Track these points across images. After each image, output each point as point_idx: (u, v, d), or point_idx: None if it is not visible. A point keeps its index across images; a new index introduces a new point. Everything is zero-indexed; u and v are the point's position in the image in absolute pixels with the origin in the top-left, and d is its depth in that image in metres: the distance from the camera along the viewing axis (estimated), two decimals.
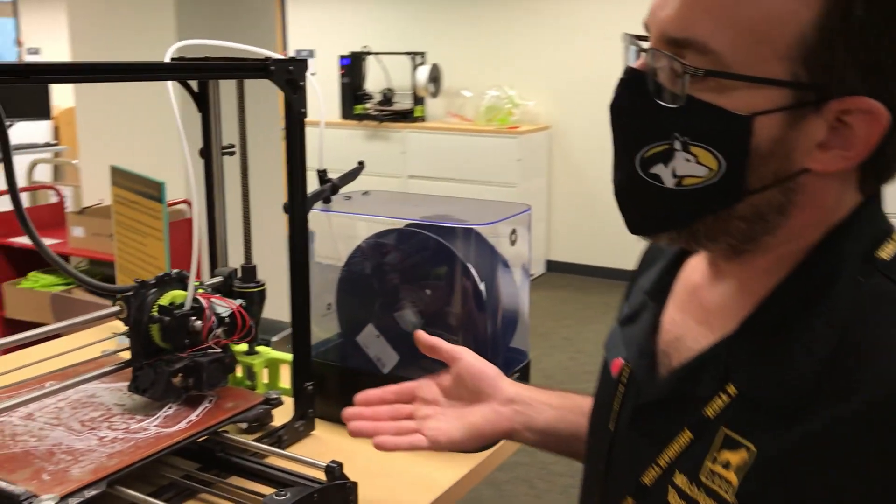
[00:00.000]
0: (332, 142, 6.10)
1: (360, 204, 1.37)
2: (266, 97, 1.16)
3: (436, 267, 1.28)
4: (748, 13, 0.60)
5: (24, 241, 3.64)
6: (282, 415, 1.27)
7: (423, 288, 1.30)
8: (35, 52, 8.15)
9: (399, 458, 1.24)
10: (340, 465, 1.04)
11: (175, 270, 1.11)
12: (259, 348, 1.32)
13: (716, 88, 0.62)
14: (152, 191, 1.57)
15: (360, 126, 6.06)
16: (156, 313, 1.06)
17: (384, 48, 6.15)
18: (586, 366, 4.14)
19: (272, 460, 1.12)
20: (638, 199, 0.69)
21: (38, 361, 1.26)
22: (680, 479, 0.68)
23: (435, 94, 6.03)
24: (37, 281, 3.62)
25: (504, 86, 5.84)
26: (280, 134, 3.36)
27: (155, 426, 1.05)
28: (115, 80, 1.14)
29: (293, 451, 1.24)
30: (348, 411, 0.95)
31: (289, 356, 1.28)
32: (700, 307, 0.74)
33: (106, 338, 1.23)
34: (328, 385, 1.35)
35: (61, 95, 5.88)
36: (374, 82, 6.21)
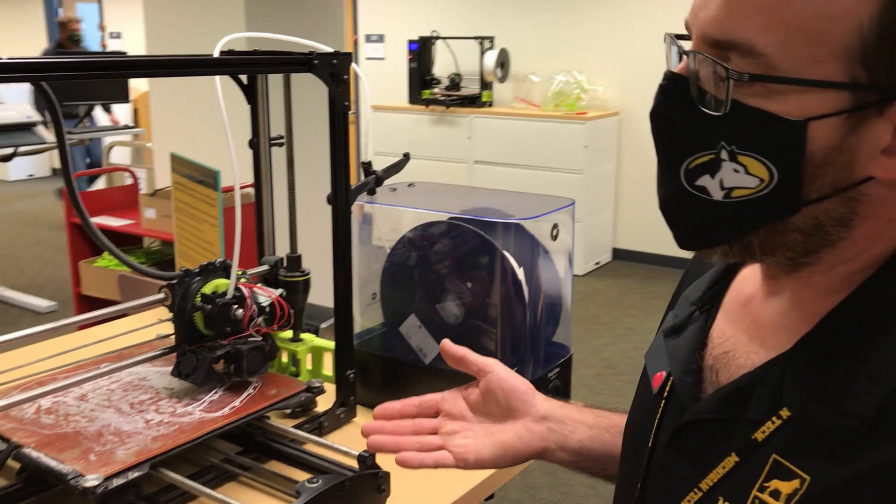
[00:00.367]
0: (398, 127, 6.19)
1: (404, 196, 1.39)
2: (320, 87, 1.18)
3: (476, 260, 1.29)
4: (799, 11, 0.55)
5: (100, 220, 3.79)
6: (326, 401, 1.31)
7: (464, 280, 1.31)
8: (117, 36, 8.42)
9: None
10: (373, 454, 1.06)
11: (219, 259, 1.15)
12: (303, 335, 1.35)
13: (765, 93, 0.58)
14: (208, 178, 1.61)
15: (427, 111, 6.08)
16: (199, 301, 1.10)
17: (453, 33, 6.15)
18: None
19: (310, 446, 1.15)
20: (686, 212, 0.65)
21: (97, 342, 1.32)
22: None
23: (502, 79, 6.00)
24: (110, 260, 3.76)
25: (573, 70, 5.77)
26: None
27: (199, 411, 1.09)
28: (161, 75, 1.18)
29: (334, 437, 1.28)
30: (367, 426, 0.88)
31: (332, 344, 1.30)
32: (753, 322, 0.70)
33: (155, 322, 1.28)
34: (371, 373, 1.38)
35: (139, 79, 6.07)
36: (442, 67, 6.22)
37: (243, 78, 1.29)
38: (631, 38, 5.56)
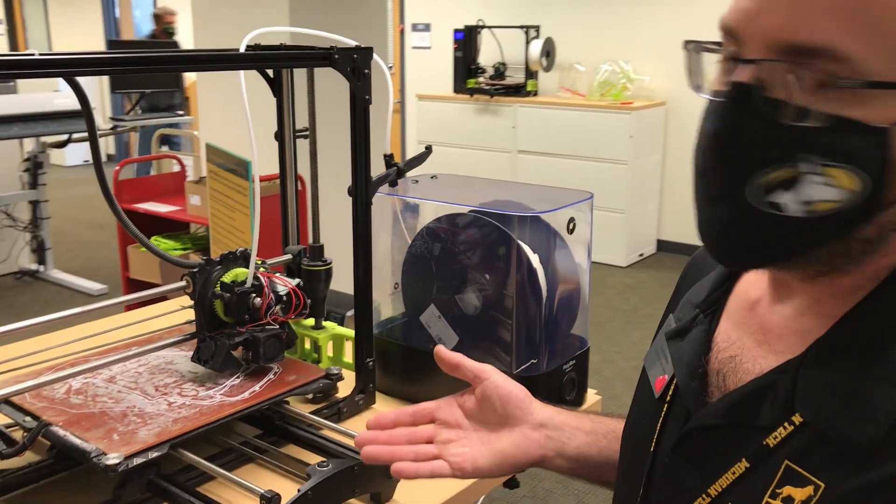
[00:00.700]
0: (442, 116, 6.21)
1: (425, 188, 1.41)
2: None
3: (494, 252, 1.31)
4: (881, 12, 0.54)
5: (147, 206, 3.90)
6: (346, 387, 1.34)
7: (482, 272, 1.33)
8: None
9: None
10: None
11: (240, 248, 1.19)
12: (325, 323, 1.38)
13: (848, 99, 0.55)
14: (240, 168, 1.66)
15: (472, 101, 6.09)
16: (218, 290, 1.14)
17: (498, 22, 6.14)
18: None
19: (326, 431, 1.19)
20: (746, 232, 0.61)
21: (127, 325, 1.38)
22: None
23: (548, 69, 5.98)
24: (158, 244, 3.86)
25: (619, 60, 5.72)
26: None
27: (220, 395, 1.13)
28: (186, 70, 1.21)
29: (352, 423, 1.31)
30: (361, 436, 0.86)
31: (352, 332, 1.34)
32: (760, 326, 0.68)
33: (178, 309, 1.33)
34: (391, 362, 1.41)
35: None
36: (487, 56, 6.22)
37: (270, 72, 1.33)
38: (679, 26, 5.49)
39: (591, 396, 1.45)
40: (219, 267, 1.16)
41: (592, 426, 0.91)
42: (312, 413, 1.26)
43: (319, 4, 3.59)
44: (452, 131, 6.25)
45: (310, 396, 1.36)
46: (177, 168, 4.29)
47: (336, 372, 1.23)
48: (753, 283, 0.72)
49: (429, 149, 1.40)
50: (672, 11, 5.56)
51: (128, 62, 1.05)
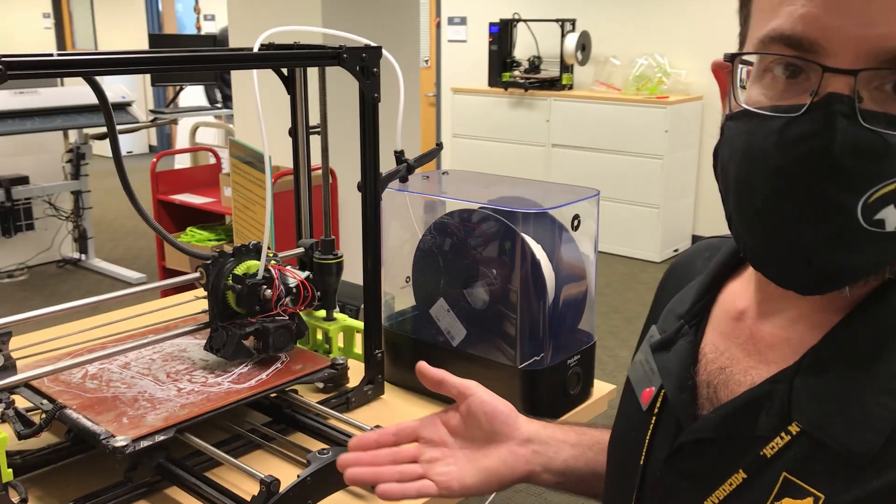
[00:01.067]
0: (477, 110, 6.23)
1: (436, 184, 1.43)
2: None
3: (500, 247, 1.33)
4: None
5: (183, 197, 3.98)
6: (358, 377, 1.38)
7: (489, 267, 1.35)
8: (211, 18, 8.71)
9: None
10: None
11: (252, 242, 1.22)
12: (336, 315, 1.42)
13: None
14: (260, 162, 1.70)
15: (506, 94, 6.09)
16: (230, 281, 1.18)
17: (534, 15, 6.12)
18: None
19: (333, 421, 1.22)
20: (852, 253, 0.57)
21: (145, 313, 1.43)
22: None
23: (583, 62, 5.96)
24: (193, 235, 3.95)
25: (655, 54, 5.68)
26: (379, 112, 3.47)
27: (228, 382, 1.17)
28: (205, 69, 1.25)
29: (361, 412, 1.35)
30: (343, 458, 0.85)
31: (362, 324, 1.37)
32: (749, 336, 0.68)
33: (192, 299, 1.37)
34: (402, 354, 1.44)
35: None
36: (522, 50, 6.21)
37: (284, 71, 1.36)
38: (716, 20, 5.43)
39: (606, 386, 1.47)
40: (231, 259, 1.20)
41: (578, 438, 0.91)
42: (322, 402, 1.30)
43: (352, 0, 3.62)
44: (486, 125, 6.26)
45: (320, 386, 1.40)
46: (212, 160, 4.37)
47: (341, 362, 1.26)
48: (739, 294, 0.72)
49: (439, 145, 1.43)
50: (709, 5, 5.50)
51: (142, 62, 1.10)
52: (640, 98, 5.53)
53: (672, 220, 5.59)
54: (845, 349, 0.60)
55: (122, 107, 4.83)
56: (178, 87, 6.05)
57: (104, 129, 4.99)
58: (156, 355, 1.26)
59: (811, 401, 0.60)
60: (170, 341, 1.29)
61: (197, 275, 1.19)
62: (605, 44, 5.98)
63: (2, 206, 4.92)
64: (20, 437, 1.06)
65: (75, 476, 1.13)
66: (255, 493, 1.00)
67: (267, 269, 1.19)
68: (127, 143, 9.40)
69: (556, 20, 5.98)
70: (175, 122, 5.93)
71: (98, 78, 1.10)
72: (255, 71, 1.21)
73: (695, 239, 5.84)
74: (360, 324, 1.38)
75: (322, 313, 1.41)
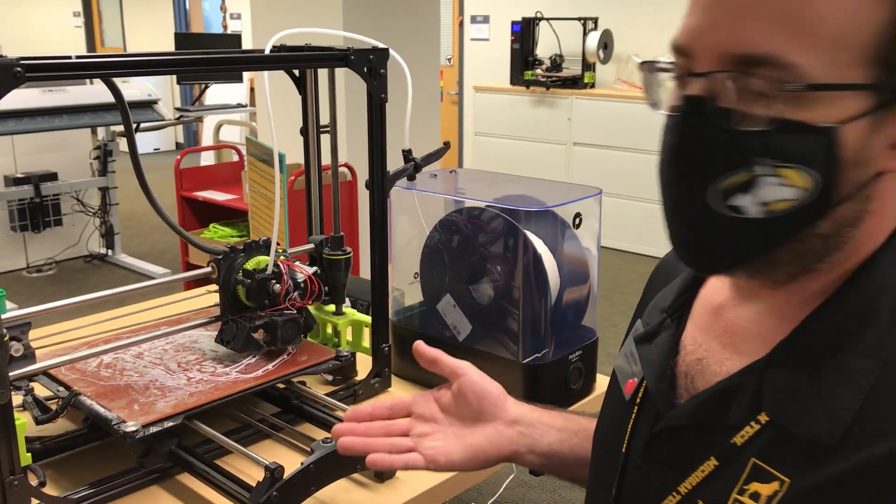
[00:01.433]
0: (498, 108, 6.24)
1: (443, 182, 1.47)
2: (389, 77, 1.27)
3: (503, 245, 1.36)
4: (824, 20, 0.57)
5: (206, 194, 4.05)
6: (366, 370, 1.42)
7: (493, 263, 1.38)
8: (237, 17, 8.81)
9: None
10: None
11: (263, 238, 1.26)
12: (346, 310, 1.46)
13: (796, 103, 0.58)
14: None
15: (528, 92, 6.11)
16: (241, 276, 1.22)
17: (556, 13, 6.13)
18: None
19: (340, 412, 1.26)
20: (712, 237, 0.64)
21: (162, 305, 1.48)
22: None
23: (605, 60, 5.95)
24: (216, 231, 4.01)
25: None
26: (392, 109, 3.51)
27: (236, 372, 1.21)
28: (218, 70, 1.29)
29: (368, 404, 1.38)
30: (338, 427, 0.89)
31: (369, 319, 1.41)
32: (725, 329, 0.71)
33: (203, 293, 1.42)
34: (408, 348, 1.46)
35: None
36: (544, 48, 6.22)
37: (296, 72, 1.40)
38: None
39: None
40: (242, 254, 1.24)
41: (564, 424, 0.94)
42: (330, 394, 1.34)
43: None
44: (508, 123, 6.28)
45: (329, 378, 1.44)
46: (236, 158, 4.43)
47: (346, 354, 1.30)
48: (717, 289, 0.75)
49: (446, 145, 1.46)
50: None
51: (156, 64, 1.14)
52: None
53: None
54: (812, 342, 0.63)
55: (149, 104, 4.90)
56: (203, 85, 6.14)
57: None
58: (168, 346, 1.30)
59: (780, 392, 0.62)
60: (182, 333, 1.33)
61: (208, 269, 1.24)
62: (627, 42, 5.97)
63: (31, 202, 5.03)
64: (38, 422, 1.11)
65: (91, 461, 1.17)
66: (261, 479, 1.04)
67: (276, 265, 1.23)
68: (154, 139, 9.54)
69: (579, 18, 5.99)
70: (200, 119, 6.01)
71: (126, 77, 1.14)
72: (266, 73, 1.25)
73: None
74: (368, 318, 1.42)
75: (332, 308, 1.45)
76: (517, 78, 6.15)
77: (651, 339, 0.78)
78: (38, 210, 5.08)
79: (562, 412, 0.96)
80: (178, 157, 4.08)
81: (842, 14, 0.57)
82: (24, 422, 1.00)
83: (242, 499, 1.03)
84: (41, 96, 4.41)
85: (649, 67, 0.70)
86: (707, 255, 0.66)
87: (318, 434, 1.22)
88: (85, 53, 1.05)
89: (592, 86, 6.00)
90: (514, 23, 6.16)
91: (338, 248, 1.41)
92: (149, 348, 1.29)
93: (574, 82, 5.98)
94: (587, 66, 5.98)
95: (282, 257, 1.26)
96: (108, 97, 4.64)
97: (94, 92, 4.74)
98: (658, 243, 5.48)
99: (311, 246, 1.41)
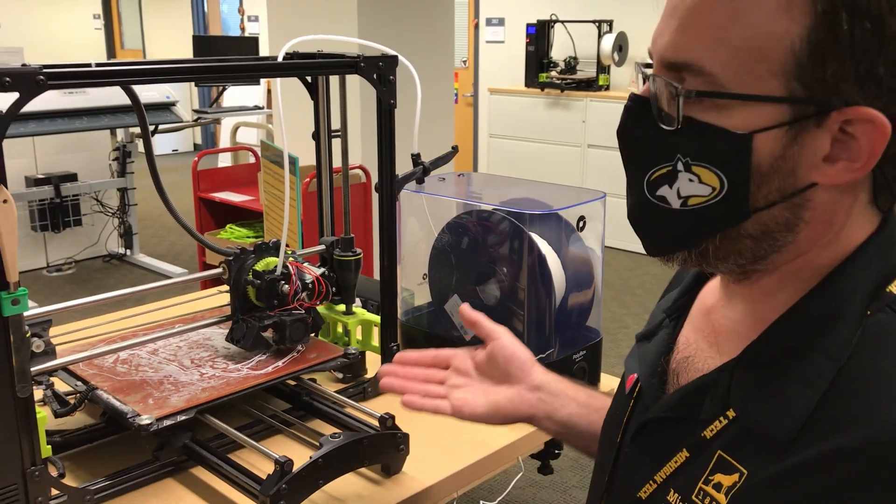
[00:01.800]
0: (513, 110, 6.27)
1: (451, 186, 1.50)
2: (402, 82, 1.31)
3: (509, 247, 1.39)
4: (740, 33, 0.61)
5: (223, 195, 4.10)
6: (375, 369, 1.45)
7: (499, 265, 1.41)
8: (255, 19, 8.89)
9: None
10: (392, 417, 1.19)
11: (273, 240, 1.30)
12: (356, 309, 1.49)
13: (715, 108, 0.63)
14: (291, 164, 1.78)
15: (542, 94, 6.13)
16: (251, 277, 1.26)
17: (571, 16, 6.15)
18: None
19: (350, 409, 1.30)
20: (649, 221, 0.71)
21: (178, 304, 1.52)
22: (673, 497, 0.69)
23: (619, 63, 5.97)
24: (232, 232, 4.07)
25: None
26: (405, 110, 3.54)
27: (247, 368, 1.25)
28: (231, 78, 1.33)
29: (376, 402, 1.42)
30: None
31: (379, 318, 1.44)
32: (712, 329, 0.75)
33: (215, 293, 1.46)
34: (416, 347, 1.51)
35: None
36: (559, 50, 6.24)
37: (309, 78, 1.44)
38: None
39: (614, 380, 1.52)
40: (252, 256, 1.28)
41: (587, 399, 1.00)
42: (340, 392, 1.37)
43: (387, 4, 3.70)
44: (523, 125, 6.31)
45: (340, 376, 1.47)
46: (252, 160, 4.49)
47: (353, 352, 1.33)
48: (712, 291, 0.79)
49: (454, 149, 1.49)
50: None
51: (174, 72, 1.18)
52: None
53: None
54: (779, 343, 0.67)
55: (167, 106, 4.97)
56: (221, 87, 6.21)
57: (150, 129, 5.17)
58: (182, 343, 1.35)
59: (744, 389, 0.67)
60: (196, 330, 1.37)
61: (219, 270, 1.28)
62: (642, 45, 5.97)
63: (51, 203, 5.11)
64: (56, 415, 1.15)
65: (108, 454, 1.22)
66: (270, 472, 1.07)
67: (285, 266, 1.27)
68: (172, 141, 9.63)
69: (594, 21, 6.01)
70: (218, 121, 6.08)
71: None
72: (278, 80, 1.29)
73: None
74: (377, 318, 1.45)
75: (342, 307, 1.48)
76: (532, 80, 6.18)
77: (650, 337, 0.83)
78: (58, 210, 5.16)
79: (587, 389, 1.02)
80: (196, 158, 4.14)
81: (756, 27, 0.60)
82: (44, 415, 1.04)
83: (253, 491, 1.06)
84: (61, 98, 4.49)
85: (637, 67, 0.77)
86: (649, 238, 0.72)
87: (328, 429, 1.26)
88: (104, 60, 1.09)
89: (607, 88, 6.02)
90: (529, 25, 6.19)
91: (348, 249, 1.44)
92: (163, 345, 1.33)
93: (589, 84, 6.01)
94: (602, 68, 6.00)
95: (291, 259, 1.30)
96: (128, 100, 4.72)
97: (114, 94, 4.80)
98: None
99: (323, 247, 1.45)
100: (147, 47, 10.48)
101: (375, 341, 1.53)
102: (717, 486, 0.65)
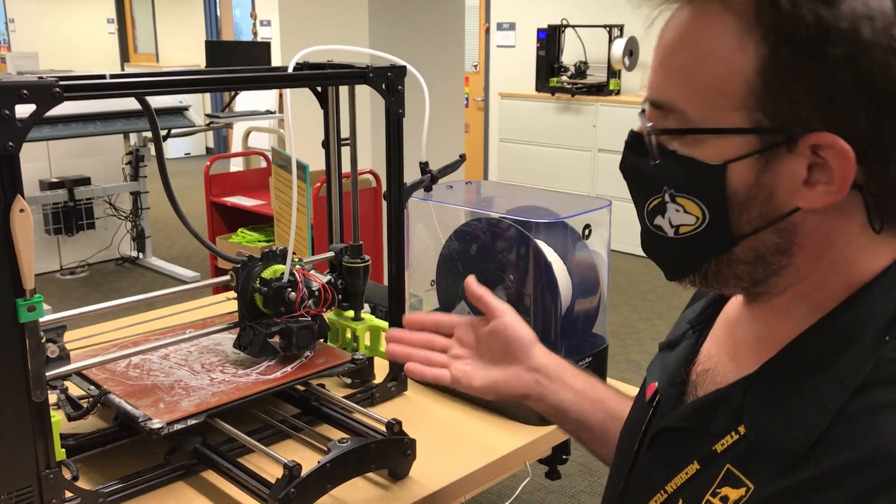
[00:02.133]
0: (524, 114, 6.28)
1: (459, 194, 1.52)
2: (411, 90, 1.33)
3: (516, 254, 1.41)
4: (704, 71, 0.65)
5: (235, 200, 4.13)
6: (384, 374, 1.47)
7: (506, 272, 1.43)
8: (267, 24, 8.94)
9: (469, 424, 1.40)
10: (400, 423, 1.21)
11: (280, 247, 1.32)
12: (364, 315, 1.51)
13: (691, 142, 0.67)
14: (299, 171, 1.81)
15: (553, 99, 6.15)
16: (258, 284, 1.28)
17: (582, 21, 6.17)
18: None
19: (358, 414, 1.32)
20: (654, 249, 0.75)
21: (189, 310, 1.54)
22: None
23: (630, 68, 5.98)
24: (244, 236, 4.10)
25: None
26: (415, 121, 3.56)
27: (256, 374, 1.27)
28: (242, 89, 1.35)
29: (384, 407, 1.44)
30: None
31: (387, 324, 1.46)
32: (733, 343, 0.77)
33: (223, 300, 1.48)
34: None
35: None
36: (570, 55, 6.25)
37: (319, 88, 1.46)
38: None
39: (621, 385, 1.53)
40: (260, 263, 1.30)
41: (584, 388, 1.01)
42: (348, 397, 1.39)
43: (398, 9, 3.73)
44: (533, 129, 6.33)
45: (348, 381, 1.49)
46: (264, 164, 4.52)
47: (360, 357, 1.35)
48: (734, 304, 0.81)
49: (462, 157, 1.51)
50: None
51: (186, 83, 1.20)
52: None
53: None
54: (794, 363, 0.68)
55: (179, 111, 5.02)
56: (233, 92, 6.25)
57: (162, 133, 5.21)
58: (193, 348, 1.37)
59: (758, 407, 0.68)
60: (206, 336, 1.39)
61: (227, 277, 1.30)
62: (652, 49, 5.97)
63: (65, 206, 5.16)
64: (70, 419, 1.18)
65: (121, 458, 1.24)
66: (279, 476, 1.09)
67: (292, 274, 1.29)
68: (185, 144, 9.70)
69: (604, 26, 6.02)
70: (230, 125, 6.12)
71: None
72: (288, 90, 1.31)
73: None
74: (385, 324, 1.47)
75: (351, 313, 1.50)
76: (543, 85, 6.19)
77: (673, 347, 0.86)
78: (71, 214, 5.20)
79: (589, 379, 1.03)
80: (208, 162, 4.18)
81: (717, 65, 0.65)
82: (58, 419, 1.06)
83: (262, 495, 1.08)
84: (75, 103, 4.53)
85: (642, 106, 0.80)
86: (661, 264, 0.76)
87: (336, 434, 1.28)
88: (118, 66, 1.12)
89: (618, 93, 6.03)
90: (539, 30, 6.21)
91: (356, 256, 1.46)
92: (174, 350, 1.35)
93: (599, 89, 6.01)
94: (612, 73, 6.01)
95: (297, 266, 1.32)
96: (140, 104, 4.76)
97: (127, 99, 4.85)
98: None
99: (332, 254, 1.47)
100: (160, 52, 10.56)
101: (383, 347, 1.54)
102: (724, 499, 0.67)
